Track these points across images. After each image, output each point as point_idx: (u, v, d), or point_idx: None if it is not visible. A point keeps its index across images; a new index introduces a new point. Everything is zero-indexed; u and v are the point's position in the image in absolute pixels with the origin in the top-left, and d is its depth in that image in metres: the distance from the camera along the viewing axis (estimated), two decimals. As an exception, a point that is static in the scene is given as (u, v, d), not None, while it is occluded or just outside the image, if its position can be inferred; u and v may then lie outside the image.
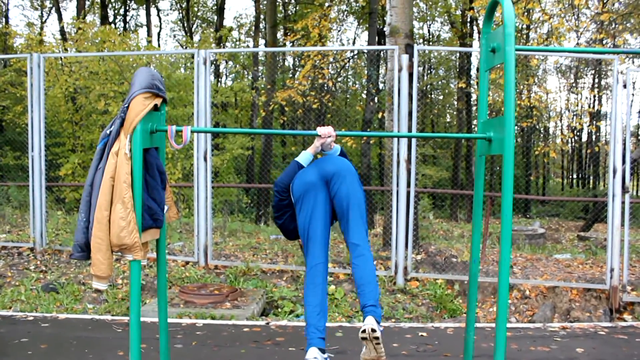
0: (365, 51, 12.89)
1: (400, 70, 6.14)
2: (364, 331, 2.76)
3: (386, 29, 7.04)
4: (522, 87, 10.87)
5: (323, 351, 3.05)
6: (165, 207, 2.78)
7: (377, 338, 2.76)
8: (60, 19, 19.47)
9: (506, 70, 2.41)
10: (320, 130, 3.01)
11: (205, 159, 6.55)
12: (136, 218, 2.47)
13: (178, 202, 11.11)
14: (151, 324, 4.50)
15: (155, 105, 2.60)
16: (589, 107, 20.00)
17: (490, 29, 2.75)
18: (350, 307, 5.68)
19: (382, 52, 12.27)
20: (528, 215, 18.78)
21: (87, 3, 25.94)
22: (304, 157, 3.31)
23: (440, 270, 6.40)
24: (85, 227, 2.51)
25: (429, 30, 29.92)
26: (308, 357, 2.97)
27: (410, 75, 6.18)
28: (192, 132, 2.63)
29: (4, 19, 24.17)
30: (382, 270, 6.38)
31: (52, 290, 5.83)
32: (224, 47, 21.72)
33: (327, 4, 14.92)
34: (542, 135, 23.73)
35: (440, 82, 26.77)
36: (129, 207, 2.43)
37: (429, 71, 28.16)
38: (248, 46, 28.22)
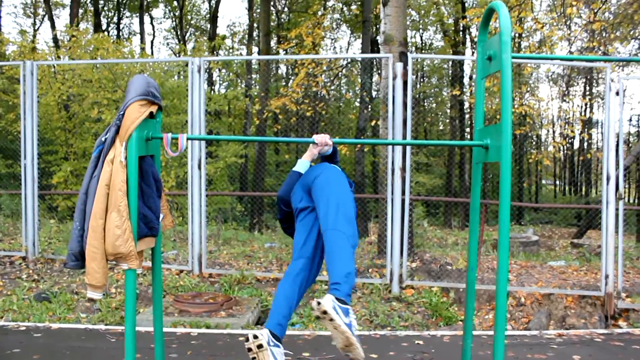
0: (359, 59, 12.92)
1: (394, 78, 6.16)
2: (312, 308, 2.52)
3: (380, 37, 7.07)
4: (515, 95, 10.92)
5: (278, 339, 2.78)
6: (161, 216, 2.76)
7: (325, 313, 2.45)
8: (53, 26, 19.42)
9: (503, 77, 2.41)
10: (317, 138, 3.01)
11: (199, 167, 6.54)
12: (131, 226, 2.45)
13: (172, 210, 11.05)
14: (145, 333, 4.46)
15: (151, 112, 2.58)
16: (581, 114, 20.16)
17: (486, 37, 2.76)
18: (346, 316, 5.65)
19: (375, 60, 12.30)
20: (521, 223, 18.86)
21: (80, 11, 25.96)
22: (301, 165, 3.30)
23: (435, 277, 6.40)
24: (80, 236, 2.48)
25: (421, 39, 30.13)
26: (253, 332, 2.72)
27: (405, 83, 6.19)
28: (187, 139, 2.61)
29: (-4, 27, 24.10)
30: (377, 278, 6.36)
31: (45, 299, 5.77)
32: (217, 55, 21.74)
33: (320, 13, 14.98)
34: (534, 143, 23.86)
35: (433, 90, 26.91)
36: (125, 216, 2.41)
37: (422, 79, 28.33)
38: (241, 54, 28.27)
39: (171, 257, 7.25)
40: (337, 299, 2.49)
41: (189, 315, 5.10)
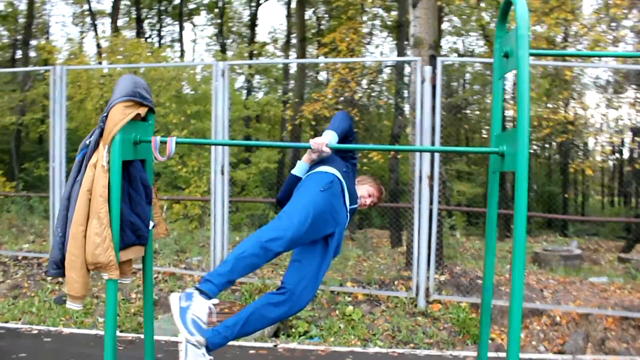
0: (392, 64, 12.65)
1: (422, 82, 5.90)
2: None
3: (410, 40, 6.82)
4: (557, 101, 10.42)
5: (207, 347, 2.63)
6: (152, 223, 2.61)
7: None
8: (97, 34, 19.95)
9: (519, 76, 2.15)
10: (313, 144, 2.80)
11: (222, 173, 6.42)
12: (112, 235, 2.30)
13: (203, 215, 11.06)
14: (155, 342, 4.33)
15: (139, 114, 2.44)
16: (630, 122, 19.19)
17: (504, 32, 2.50)
18: (368, 330, 5.41)
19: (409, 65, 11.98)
20: (566, 234, 18.04)
21: (126, 19, 26.62)
22: (299, 168, 3.10)
23: (464, 292, 6.07)
24: (61, 243, 2.36)
25: (463, 45, 29.54)
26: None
27: (434, 87, 5.92)
28: (177, 143, 2.45)
29: (46, 35, 24.99)
30: (403, 291, 6.09)
31: (64, 302, 5.75)
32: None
33: (358, 18, 14.77)
34: (580, 152, 22.91)
35: (475, 97, 26.28)
36: (105, 223, 2.26)
37: (464, 86, 27.74)
38: (281, 61, 28.29)
39: (195, 264, 7.17)
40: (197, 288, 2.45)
41: (203, 324, 4.95)
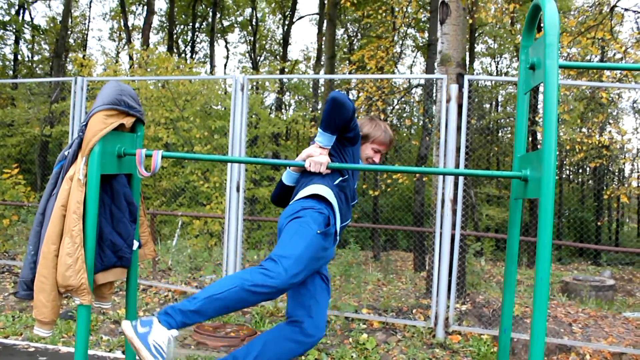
0: (423, 83, 12.39)
1: (448, 100, 5.62)
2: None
3: (437, 57, 6.56)
4: (591, 124, 9.98)
5: None
6: (136, 244, 2.39)
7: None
8: (129, 48, 20.29)
9: (547, 89, 1.88)
10: (308, 165, 2.53)
11: (237, 190, 6.22)
12: (85, 256, 2.09)
13: (223, 233, 10.90)
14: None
15: (123, 124, 2.23)
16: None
17: (531, 41, 2.23)
18: (381, 360, 5.09)
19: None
20: (599, 263, 17.32)
21: (162, 34, 27.03)
22: (288, 177, 2.84)
23: (486, 323, 5.70)
24: (33, 262, 2.16)
25: (497, 66, 29.21)
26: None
27: (460, 106, 5.64)
28: (163, 157, 2.24)
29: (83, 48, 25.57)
30: (421, 320, 5.75)
31: (70, 318, 5.59)
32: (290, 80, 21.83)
33: (388, 37, 14.60)
34: (616, 178, 22.14)
35: (508, 120, 25.79)
36: (77, 242, 2.05)
37: (496, 108, 27.27)
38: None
39: (207, 282, 6.96)
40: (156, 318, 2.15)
41: (206, 348, 4.72)
